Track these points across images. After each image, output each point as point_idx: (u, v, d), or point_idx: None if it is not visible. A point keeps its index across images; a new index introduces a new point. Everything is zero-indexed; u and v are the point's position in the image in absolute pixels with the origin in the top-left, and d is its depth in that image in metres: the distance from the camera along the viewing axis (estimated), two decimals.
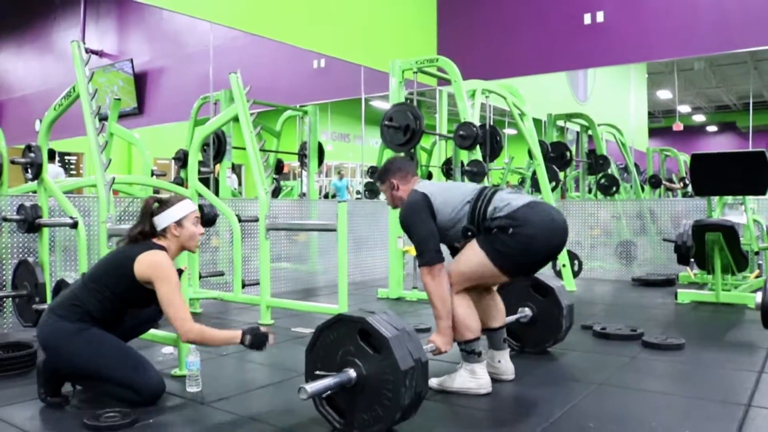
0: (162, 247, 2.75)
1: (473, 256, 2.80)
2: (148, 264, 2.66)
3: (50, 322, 2.68)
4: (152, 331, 3.14)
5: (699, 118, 20.30)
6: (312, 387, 2.22)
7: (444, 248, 2.89)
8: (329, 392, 2.29)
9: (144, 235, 2.78)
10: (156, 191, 4.96)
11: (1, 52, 12.05)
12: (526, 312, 3.52)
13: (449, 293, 2.83)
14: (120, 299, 2.71)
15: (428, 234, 2.83)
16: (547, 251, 2.81)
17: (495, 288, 3.11)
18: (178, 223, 2.80)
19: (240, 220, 4.74)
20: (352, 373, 2.28)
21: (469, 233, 2.81)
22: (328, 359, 2.37)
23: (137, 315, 2.92)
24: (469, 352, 2.86)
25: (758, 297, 1.32)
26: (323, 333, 2.41)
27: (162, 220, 2.78)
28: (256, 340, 2.71)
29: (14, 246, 4.22)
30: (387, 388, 2.21)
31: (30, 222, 3.92)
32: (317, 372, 2.36)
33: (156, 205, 2.82)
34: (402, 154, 5.24)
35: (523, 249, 2.73)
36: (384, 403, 2.23)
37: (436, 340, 2.84)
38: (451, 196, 2.89)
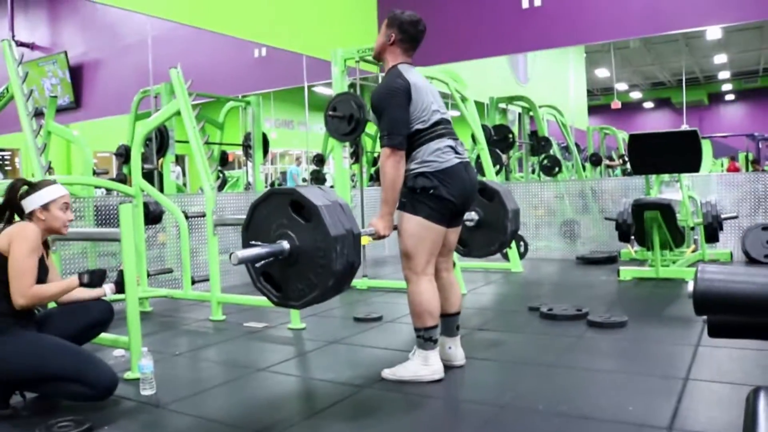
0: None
1: (409, 225, 2.84)
2: (9, 232, 2.65)
3: None
4: (102, 334, 3.09)
5: (636, 95, 20.89)
6: (243, 253, 2.27)
7: None
8: (264, 264, 2.36)
9: (9, 220, 2.78)
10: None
11: None
12: (473, 216, 3.53)
13: (402, 178, 2.81)
14: (6, 284, 2.63)
15: (403, 119, 2.80)
16: (463, 201, 2.89)
17: (452, 266, 3.14)
18: (45, 207, 2.78)
19: (187, 217, 4.69)
20: (285, 244, 2.33)
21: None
22: (263, 235, 2.41)
23: (86, 317, 2.88)
24: (426, 339, 2.88)
25: (689, 286, 1.40)
26: (257, 209, 2.45)
27: (29, 204, 2.78)
28: (95, 277, 2.78)
29: None
30: (319, 255, 2.27)
31: None
32: (252, 242, 2.40)
33: (24, 188, 2.82)
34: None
35: (442, 204, 2.81)
36: (317, 270, 2.29)
37: (377, 224, 2.82)
38: (424, 101, 2.87)
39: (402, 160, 2.80)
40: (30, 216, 2.77)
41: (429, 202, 2.81)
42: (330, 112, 5.32)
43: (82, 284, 2.77)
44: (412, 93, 2.83)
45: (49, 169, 4.25)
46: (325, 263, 2.25)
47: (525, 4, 7.04)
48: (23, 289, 2.59)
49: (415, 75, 2.93)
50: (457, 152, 2.89)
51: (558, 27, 7.01)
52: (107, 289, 3.00)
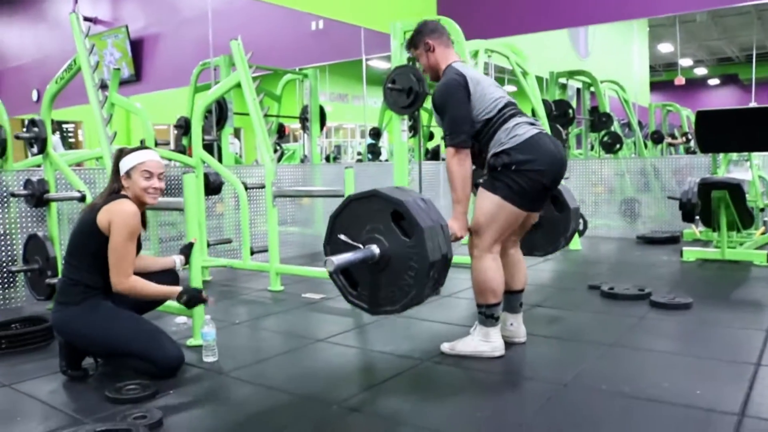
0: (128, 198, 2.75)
1: (488, 203, 2.76)
2: (109, 210, 2.65)
3: (58, 313, 2.71)
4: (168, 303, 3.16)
5: (701, 71, 20.11)
6: (338, 260, 2.22)
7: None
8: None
9: (114, 191, 2.77)
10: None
11: None
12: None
13: (471, 176, 2.76)
14: (102, 260, 2.66)
15: (464, 115, 2.75)
16: (552, 178, 2.79)
17: (517, 245, 3.09)
18: (128, 174, 2.76)
19: (246, 188, 4.74)
20: (376, 249, 2.28)
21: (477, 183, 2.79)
22: (353, 229, 2.35)
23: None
24: (488, 316, 2.85)
25: None
26: (353, 203, 2.38)
27: (120, 172, 2.79)
28: (192, 299, 2.80)
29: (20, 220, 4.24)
30: (410, 274, 2.23)
31: (38, 197, 3.92)
32: (341, 236, 2.34)
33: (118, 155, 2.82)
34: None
35: (530, 183, 2.70)
36: (403, 287, 2.25)
37: (453, 225, 2.74)
38: (486, 92, 2.81)
39: (467, 158, 2.74)
40: (121, 186, 2.77)
41: (513, 179, 2.71)
42: (389, 85, 5.27)
43: (178, 300, 2.80)
44: (470, 86, 2.78)
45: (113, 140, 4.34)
46: (413, 284, 2.21)
47: None
48: (121, 277, 2.64)
49: (471, 69, 2.90)
50: (533, 124, 2.82)
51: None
52: (177, 261, 3.06)
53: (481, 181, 2.86)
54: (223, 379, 2.72)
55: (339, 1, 7.06)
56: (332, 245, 2.37)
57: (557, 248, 3.54)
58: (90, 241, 2.67)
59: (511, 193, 2.72)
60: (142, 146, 2.98)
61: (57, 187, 4.14)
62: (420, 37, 2.95)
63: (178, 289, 2.81)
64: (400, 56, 5.51)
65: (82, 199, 3.91)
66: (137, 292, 2.72)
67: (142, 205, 2.79)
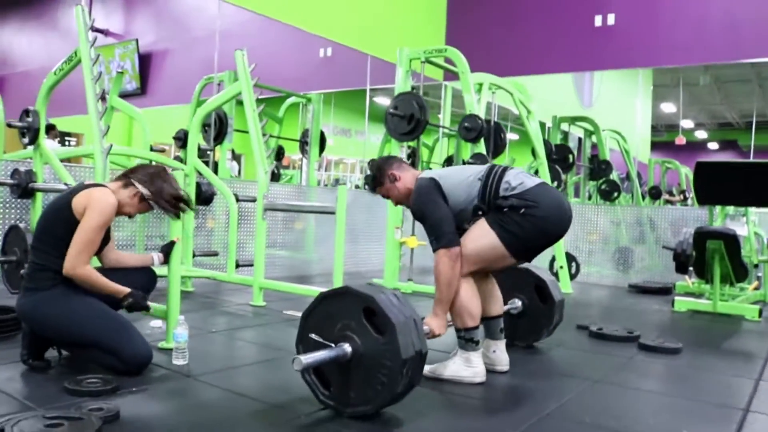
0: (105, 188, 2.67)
1: (483, 237, 2.70)
2: (87, 195, 2.57)
3: (24, 299, 2.61)
4: None
5: (701, 134, 20.25)
6: (307, 359, 2.14)
7: None
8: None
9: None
10: None
11: (5, 27, 11.95)
12: (517, 303, 3.44)
13: (458, 280, 2.73)
14: (67, 245, 2.57)
15: (443, 216, 2.73)
16: (555, 235, 2.75)
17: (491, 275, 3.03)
18: (138, 194, 2.72)
19: (237, 200, 4.66)
20: (348, 348, 2.20)
21: (480, 212, 2.73)
22: (325, 328, 2.27)
23: (131, 284, 2.82)
24: (467, 339, 2.77)
25: None
26: (325, 301, 2.32)
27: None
28: (134, 305, 2.67)
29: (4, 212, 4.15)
30: (383, 372, 2.14)
31: (23, 187, 3.85)
32: (312, 335, 2.27)
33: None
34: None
35: (534, 231, 2.65)
36: (376, 387, 2.16)
37: (431, 323, 2.75)
38: (460, 177, 2.81)
39: (457, 258, 2.69)
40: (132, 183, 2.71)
41: (516, 222, 2.64)
42: (391, 110, 5.26)
43: (121, 301, 2.66)
44: (441, 183, 2.78)
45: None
46: (387, 382, 2.13)
47: (598, 22, 6.89)
48: (78, 262, 2.54)
49: (435, 171, 2.93)
50: (528, 176, 2.78)
51: (629, 47, 6.85)
52: (155, 258, 2.98)
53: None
54: (191, 381, 2.60)
55: (348, 26, 7.11)
56: (304, 344, 2.30)
57: (538, 339, 3.53)
58: (59, 223, 2.58)
59: (508, 235, 2.66)
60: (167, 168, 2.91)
61: (45, 181, 4.06)
62: (382, 173, 2.95)
63: (126, 290, 2.67)
64: (405, 84, 5.51)
65: None
66: (88, 281, 2.58)
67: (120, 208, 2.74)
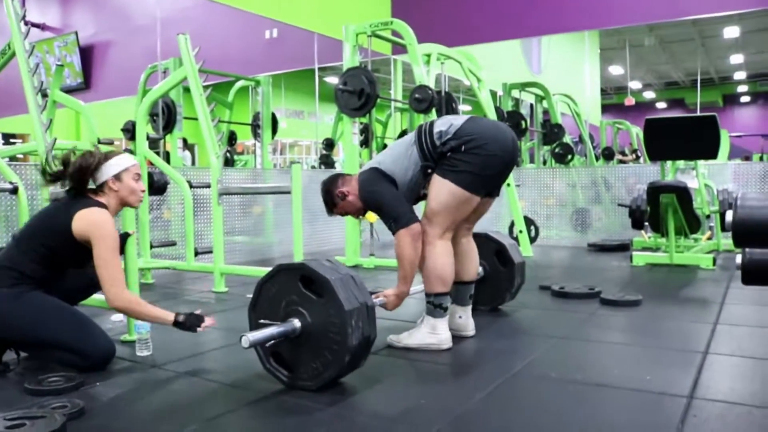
0: (102, 205, 2.60)
1: (440, 190, 2.69)
2: (88, 221, 2.50)
3: None
4: (102, 297, 2.99)
5: (649, 94, 20.63)
6: (253, 336, 2.15)
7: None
8: (273, 344, 2.25)
9: (79, 191, 2.62)
10: None
11: None
12: (478, 269, 3.46)
13: (419, 257, 2.72)
14: (57, 257, 2.56)
15: (393, 197, 2.73)
16: (505, 156, 2.69)
17: (470, 234, 3.03)
18: (117, 177, 2.63)
19: (191, 186, 4.59)
20: (296, 322, 2.21)
21: (429, 170, 2.73)
22: (272, 314, 2.29)
23: (84, 276, 2.77)
24: (436, 305, 2.77)
25: (728, 216, 1.28)
26: (264, 287, 2.33)
27: (101, 175, 2.62)
28: (190, 319, 2.63)
29: None
30: (333, 331, 2.16)
31: None
32: (261, 321, 2.28)
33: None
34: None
35: (483, 161, 2.63)
36: (332, 347, 2.17)
37: (389, 295, 2.77)
38: (396, 152, 2.82)
39: (419, 235, 2.68)
40: (102, 187, 2.63)
41: (463, 161, 2.63)
42: (340, 87, 5.21)
43: (175, 323, 2.63)
44: (382, 168, 2.79)
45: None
46: (340, 339, 2.14)
47: None
48: (119, 288, 2.52)
49: (370, 162, 2.93)
50: (455, 117, 2.78)
51: (574, 11, 6.88)
52: None
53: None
54: (156, 371, 2.57)
55: (293, 6, 7.00)
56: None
57: (502, 302, 3.56)
58: (57, 238, 2.53)
59: (461, 177, 2.65)
60: (117, 150, 2.81)
61: None
62: (331, 195, 2.94)
63: (172, 315, 2.62)
64: (352, 60, 5.46)
65: (14, 191, 3.72)
66: (133, 310, 2.59)
67: (121, 207, 2.71)
